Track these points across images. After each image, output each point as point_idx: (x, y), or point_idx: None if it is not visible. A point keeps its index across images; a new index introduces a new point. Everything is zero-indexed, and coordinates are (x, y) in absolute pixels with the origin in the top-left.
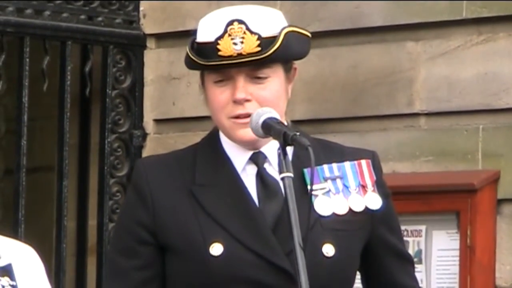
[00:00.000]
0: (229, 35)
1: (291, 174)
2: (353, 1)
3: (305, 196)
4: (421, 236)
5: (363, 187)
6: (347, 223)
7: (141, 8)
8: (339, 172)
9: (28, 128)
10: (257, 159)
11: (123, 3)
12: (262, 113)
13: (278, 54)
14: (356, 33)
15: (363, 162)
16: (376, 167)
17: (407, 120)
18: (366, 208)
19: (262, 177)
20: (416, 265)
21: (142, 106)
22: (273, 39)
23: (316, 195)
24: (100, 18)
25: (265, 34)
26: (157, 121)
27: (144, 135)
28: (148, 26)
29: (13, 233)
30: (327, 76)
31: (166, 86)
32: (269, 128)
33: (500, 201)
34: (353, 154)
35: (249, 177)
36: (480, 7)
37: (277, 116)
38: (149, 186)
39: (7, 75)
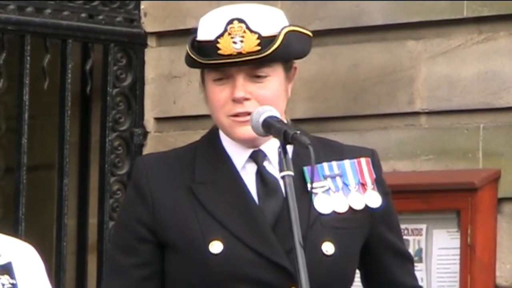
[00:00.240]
0: (229, 34)
1: (291, 173)
2: (353, 0)
3: (305, 194)
4: (421, 235)
5: (363, 185)
6: (347, 221)
7: (142, 7)
8: (338, 170)
9: (29, 126)
10: (257, 157)
11: (124, 1)
12: (262, 112)
13: (278, 54)
14: (357, 31)
15: (363, 160)
16: (376, 165)
17: (407, 119)
18: (366, 206)
19: (262, 175)
20: (416, 264)
21: (142, 104)
22: (273, 38)
23: (316, 193)
24: (101, 17)
25: (265, 33)
26: (158, 119)
27: (145, 134)
28: (149, 24)
29: (14, 231)
30: (328, 74)
31: (166, 84)
32: (269, 127)
33: (501, 200)
34: (353, 152)
35: (249, 175)
36: (480, 6)
37: (278, 115)
38: (149, 184)
39: (7, 73)
